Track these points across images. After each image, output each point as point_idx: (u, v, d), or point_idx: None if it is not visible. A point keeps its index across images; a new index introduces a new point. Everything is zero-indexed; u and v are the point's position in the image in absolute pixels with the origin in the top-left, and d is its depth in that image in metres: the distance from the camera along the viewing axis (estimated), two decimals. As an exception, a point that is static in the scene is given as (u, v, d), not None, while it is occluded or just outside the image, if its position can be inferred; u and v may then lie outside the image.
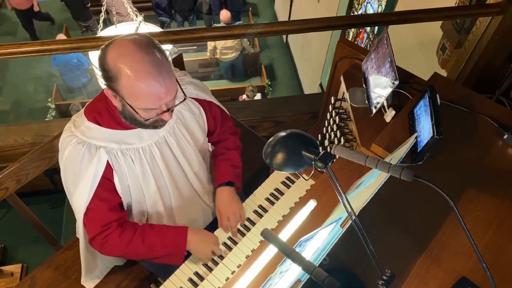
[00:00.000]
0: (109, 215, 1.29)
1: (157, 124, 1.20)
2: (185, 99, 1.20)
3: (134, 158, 1.27)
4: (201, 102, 1.41)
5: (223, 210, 1.50)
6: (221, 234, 1.50)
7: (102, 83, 2.89)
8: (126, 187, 1.31)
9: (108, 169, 1.24)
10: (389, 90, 1.44)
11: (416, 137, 1.30)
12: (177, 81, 1.15)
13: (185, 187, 1.46)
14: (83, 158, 1.20)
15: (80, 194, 1.23)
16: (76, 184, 1.23)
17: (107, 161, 1.22)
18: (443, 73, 2.40)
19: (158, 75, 1.06)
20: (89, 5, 6.39)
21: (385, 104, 1.53)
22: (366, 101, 1.60)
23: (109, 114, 1.22)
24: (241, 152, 1.63)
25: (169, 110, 1.15)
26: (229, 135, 1.60)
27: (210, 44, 5.98)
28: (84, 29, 6.72)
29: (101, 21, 3.20)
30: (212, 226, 1.60)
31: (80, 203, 1.25)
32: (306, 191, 1.48)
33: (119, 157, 1.24)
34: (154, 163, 1.33)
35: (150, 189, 1.36)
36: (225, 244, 1.48)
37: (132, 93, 1.08)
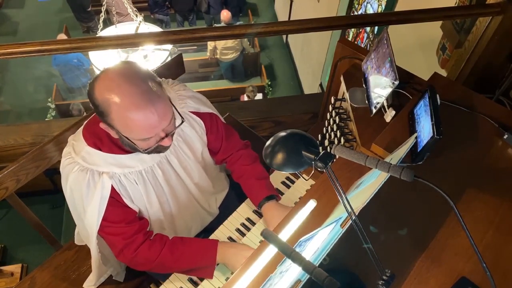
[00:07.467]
0: (129, 227, 1.29)
1: (158, 150, 1.20)
2: (182, 122, 1.18)
3: (138, 180, 1.27)
4: (202, 115, 1.39)
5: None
6: (223, 236, 1.50)
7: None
8: (132, 204, 1.31)
9: (114, 192, 1.24)
10: (389, 90, 1.44)
11: (416, 137, 1.29)
12: (171, 103, 1.14)
13: (185, 198, 1.45)
14: (89, 185, 1.20)
15: (90, 216, 1.23)
16: (86, 207, 1.23)
17: (111, 185, 1.22)
18: (443, 73, 2.40)
19: (149, 104, 1.04)
20: (89, 8, 6.50)
21: (385, 104, 1.52)
22: (366, 101, 1.60)
23: (109, 139, 1.20)
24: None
25: (168, 135, 1.14)
26: (241, 150, 1.55)
27: (210, 44, 5.98)
28: (85, 29, 6.76)
29: (101, 21, 3.20)
30: (209, 229, 1.60)
31: (92, 223, 1.24)
32: (306, 191, 1.48)
33: (123, 181, 1.24)
34: (156, 183, 1.32)
35: (153, 206, 1.36)
36: (225, 244, 1.47)
37: (125, 126, 1.07)
